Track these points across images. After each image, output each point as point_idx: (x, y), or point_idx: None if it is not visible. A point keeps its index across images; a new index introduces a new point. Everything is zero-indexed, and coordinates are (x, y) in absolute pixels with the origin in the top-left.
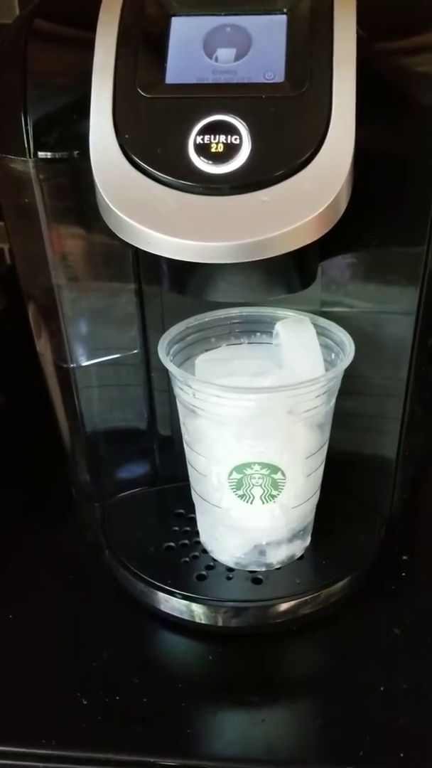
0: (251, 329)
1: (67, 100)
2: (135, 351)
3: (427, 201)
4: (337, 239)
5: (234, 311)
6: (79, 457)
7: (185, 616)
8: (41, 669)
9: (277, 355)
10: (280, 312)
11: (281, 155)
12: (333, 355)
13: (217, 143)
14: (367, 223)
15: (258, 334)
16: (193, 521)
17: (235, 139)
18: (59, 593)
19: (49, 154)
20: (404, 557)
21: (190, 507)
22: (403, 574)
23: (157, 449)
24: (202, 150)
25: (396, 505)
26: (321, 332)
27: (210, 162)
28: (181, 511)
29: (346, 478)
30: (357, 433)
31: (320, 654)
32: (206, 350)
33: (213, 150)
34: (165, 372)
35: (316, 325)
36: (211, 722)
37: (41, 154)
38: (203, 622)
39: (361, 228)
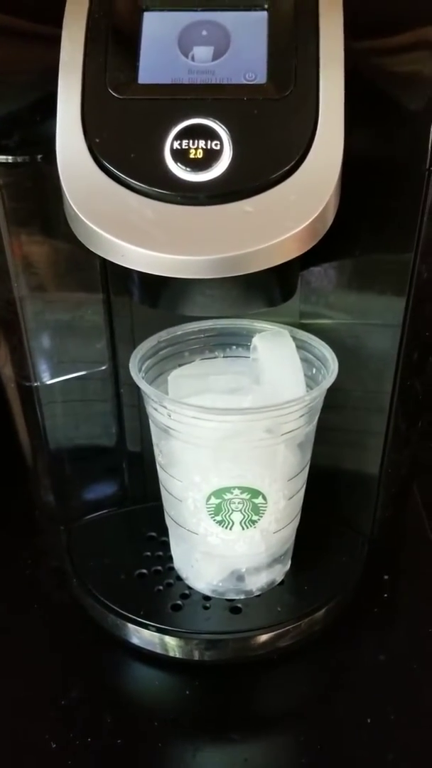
0: (227, 342)
1: (29, 100)
2: (103, 367)
3: (416, 206)
4: (319, 248)
5: (208, 324)
6: (42, 476)
7: (159, 650)
8: (4, 710)
9: (254, 370)
10: (257, 324)
11: (265, 162)
12: (314, 370)
13: (195, 149)
14: (352, 230)
15: (234, 347)
16: (166, 545)
17: (216, 144)
18: (21, 626)
19: (9, 158)
20: (386, 577)
21: (163, 529)
22: (386, 595)
23: (126, 467)
24: (180, 156)
25: (378, 524)
26: (301, 346)
27: (188, 169)
28: (153, 534)
29: (327, 496)
30: (338, 449)
31: (303, 685)
32: (179, 365)
33: (191, 156)
34: (134, 385)
35: (295, 339)
36: (190, 763)
37: (1, 158)
38: (179, 656)
39: (346, 236)
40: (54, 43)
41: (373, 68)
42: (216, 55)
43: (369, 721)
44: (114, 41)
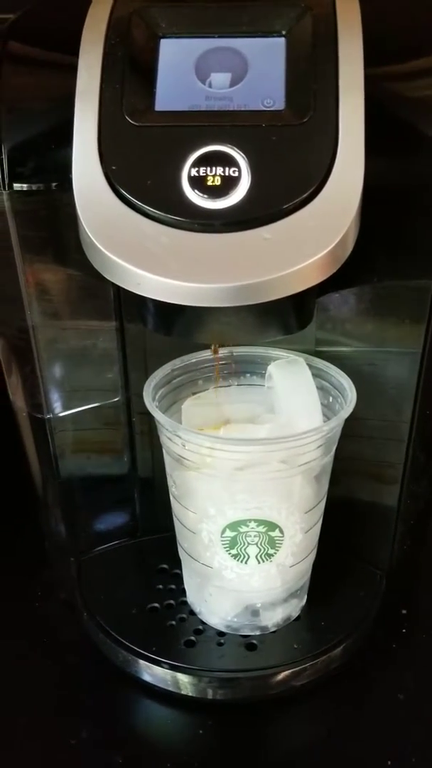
0: (241, 370)
1: (45, 127)
2: (115, 398)
3: None
4: (337, 275)
5: (223, 351)
6: (52, 507)
7: (172, 688)
8: (11, 749)
9: (269, 399)
10: (272, 352)
11: (284, 189)
12: (330, 399)
13: (213, 176)
14: (370, 257)
15: (248, 375)
16: (178, 577)
17: (234, 171)
18: (30, 661)
19: (25, 186)
20: (404, 611)
21: (175, 561)
22: (404, 630)
23: (138, 497)
24: (197, 183)
25: (396, 557)
26: (317, 374)
27: (206, 196)
28: (165, 566)
29: (343, 528)
30: (355, 480)
31: (321, 726)
32: (193, 393)
33: (209, 183)
34: (147, 414)
35: (311, 366)
36: None
37: (17, 186)
38: (192, 694)
39: (364, 262)
40: (71, 71)
41: (394, 94)
42: (234, 82)
43: (389, 763)
44: (131, 68)
